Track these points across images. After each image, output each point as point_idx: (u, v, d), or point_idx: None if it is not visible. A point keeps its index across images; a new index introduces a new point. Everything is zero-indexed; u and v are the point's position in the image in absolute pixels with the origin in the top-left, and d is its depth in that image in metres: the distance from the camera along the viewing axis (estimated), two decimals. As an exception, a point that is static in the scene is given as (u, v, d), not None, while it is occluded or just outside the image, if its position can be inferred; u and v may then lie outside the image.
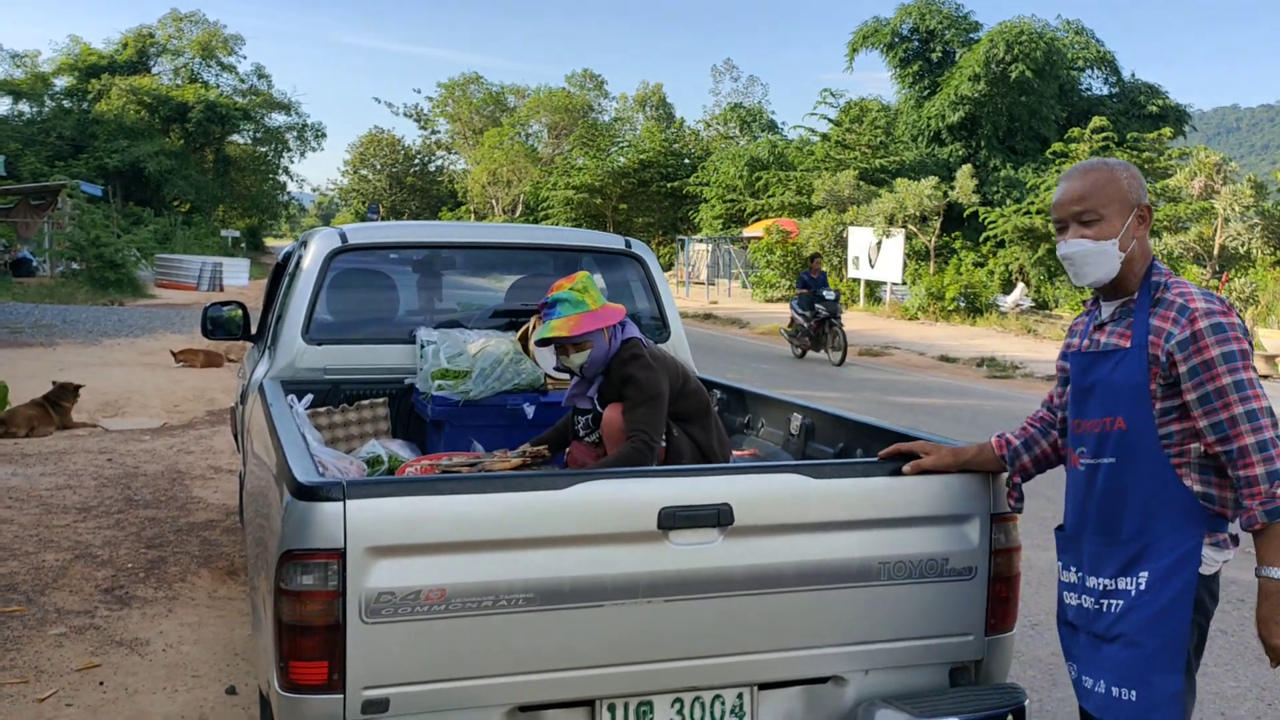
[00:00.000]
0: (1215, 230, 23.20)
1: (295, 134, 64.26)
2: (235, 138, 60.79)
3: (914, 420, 11.24)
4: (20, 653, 4.45)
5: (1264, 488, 2.23)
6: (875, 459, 3.01)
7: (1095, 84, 39.52)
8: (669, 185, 51.80)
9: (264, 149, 63.45)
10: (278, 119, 62.94)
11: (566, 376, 4.42)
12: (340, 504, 2.42)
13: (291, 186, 69.69)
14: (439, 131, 77.95)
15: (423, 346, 4.36)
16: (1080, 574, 2.52)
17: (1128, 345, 2.41)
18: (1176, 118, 37.77)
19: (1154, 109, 37.10)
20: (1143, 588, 2.35)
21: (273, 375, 4.35)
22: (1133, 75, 39.44)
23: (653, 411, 3.54)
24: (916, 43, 38.89)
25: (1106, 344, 2.46)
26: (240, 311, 5.72)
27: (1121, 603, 2.38)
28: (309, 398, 4.13)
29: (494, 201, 64.62)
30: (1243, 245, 22.60)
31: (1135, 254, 2.43)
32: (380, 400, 4.46)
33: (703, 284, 38.57)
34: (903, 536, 2.83)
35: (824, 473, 2.82)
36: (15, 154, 44.76)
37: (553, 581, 2.57)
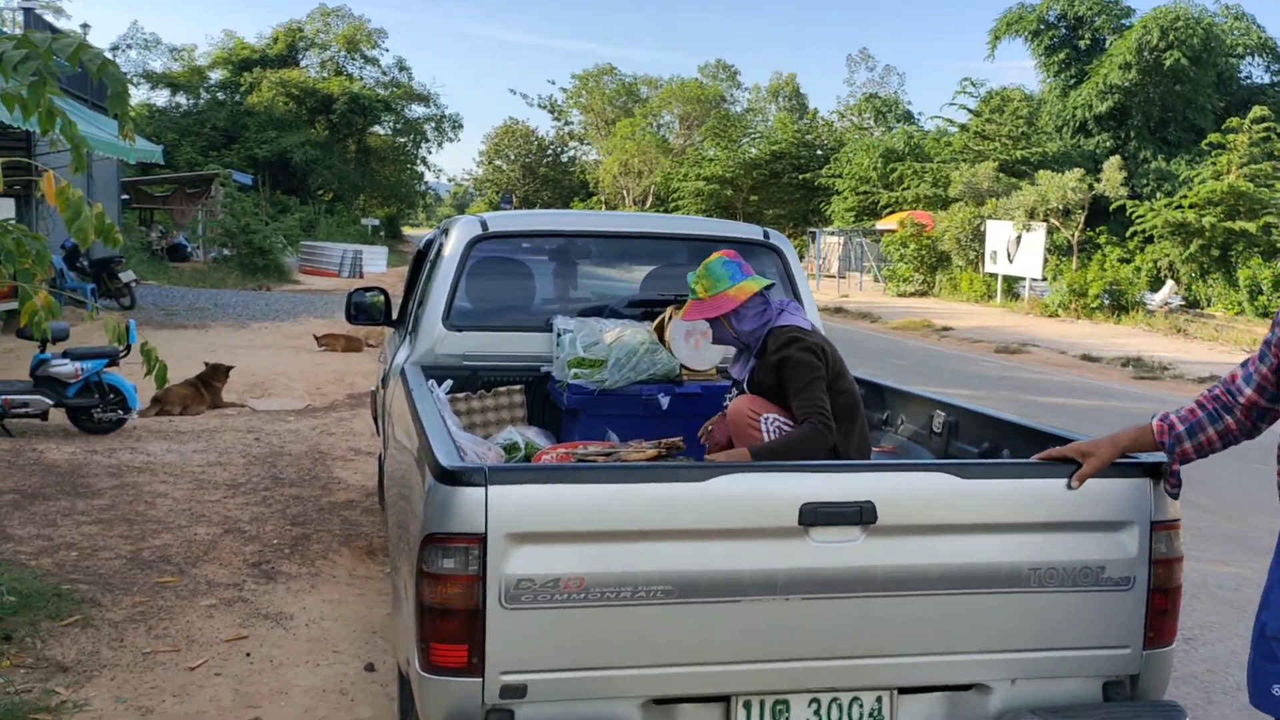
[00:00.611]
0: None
1: (433, 125, 65.69)
2: (376, 128, 62.52)
3: (1055, 421, 10.83)
4: (173, 622, 4.65)
5: None
6: (1028, 460, 2.89)
7: (1256, 72, 37.47)
8: (801, 177, 51.19)
9: (403, 139, 65.04)
10: (417, 110, 64.44)
11: (702, 368, 4.42)
12: (482, 489, 2.44)
13: (429, 176, 71.37)
14: (572, 122, 78.74)
15: (559, 335, 4.39)
16: None
17: None
18: (1345, 107, 35.52)
19: (1321, 97, 34.97)
20: None
21: (414, 360, 4.43)
22: (1298, 62, 37.27)
23: (819, 391, 3.47)
24: (1064, 29, 37.47)
25: None
26: (382, 298, 5.86)
27: None
28: (449, 383, 4.19)
29: (625, 192, 64.99)
30: None
31: None
32: (517, 387, 4.50)
33: (834, 277, 38.07)
34: (1055, 542, 2.71)
35: (972, 472, 2.72)
36: (173, 144, 47.00)
37: (691, 575, 2.54)
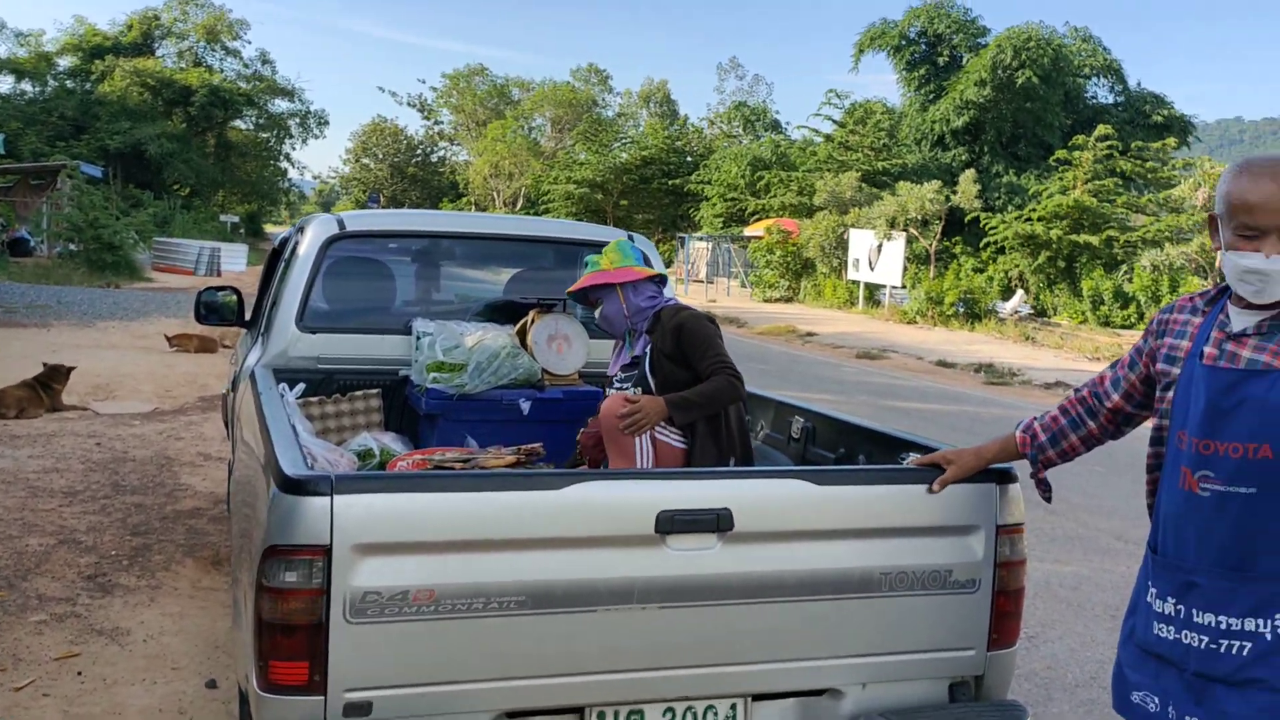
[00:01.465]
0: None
1: (298, 120, 64.04)
2: (237, 123, 60.58)
3: (911, 426, 11.17)
4: (-1, 639, 4.36)
5: None
6: (882, 466, 2.94)
7: (1101, 92, 39.47)
8: (670, 183, 51.65)
9: (266, 135, 63.20)
10: (280, 105, 62.74)
11: (564, 373, 4.37)
12: (327, 499, 2.34)
13: (292, 173, 69.54)
14: (442, 122, 77.81)
15: (418, 338, 4.27)
16: (1182, 607, 2.27)
17: None
18: (1181, 128, 37.69)
19: (1159, 119, 37.01)
20: None
21: (265, 363, 4.27)
22: (1138, 84, 39.40)
23: (721, 348, 3.65)
24: (924, 46, 38.79)
25: (1254, 360, 2.19)
26: (235, 297, 5.64)
27: (1251, 645, 2.17)
28: (301, 386, 4.04)
29: (495, 194, 64.47)
30: (1244, 258, 22.51)
31: None
32: (374, 391, 4.38)
33: (702, 282, 38.48)
34: (906, 546, 2.76)
35: (828, 479, 2.75)
36: (16, 133, 44.54)
37: (545, 584, 2.49)
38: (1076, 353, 20.43)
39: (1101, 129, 29.99)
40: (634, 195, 53.78)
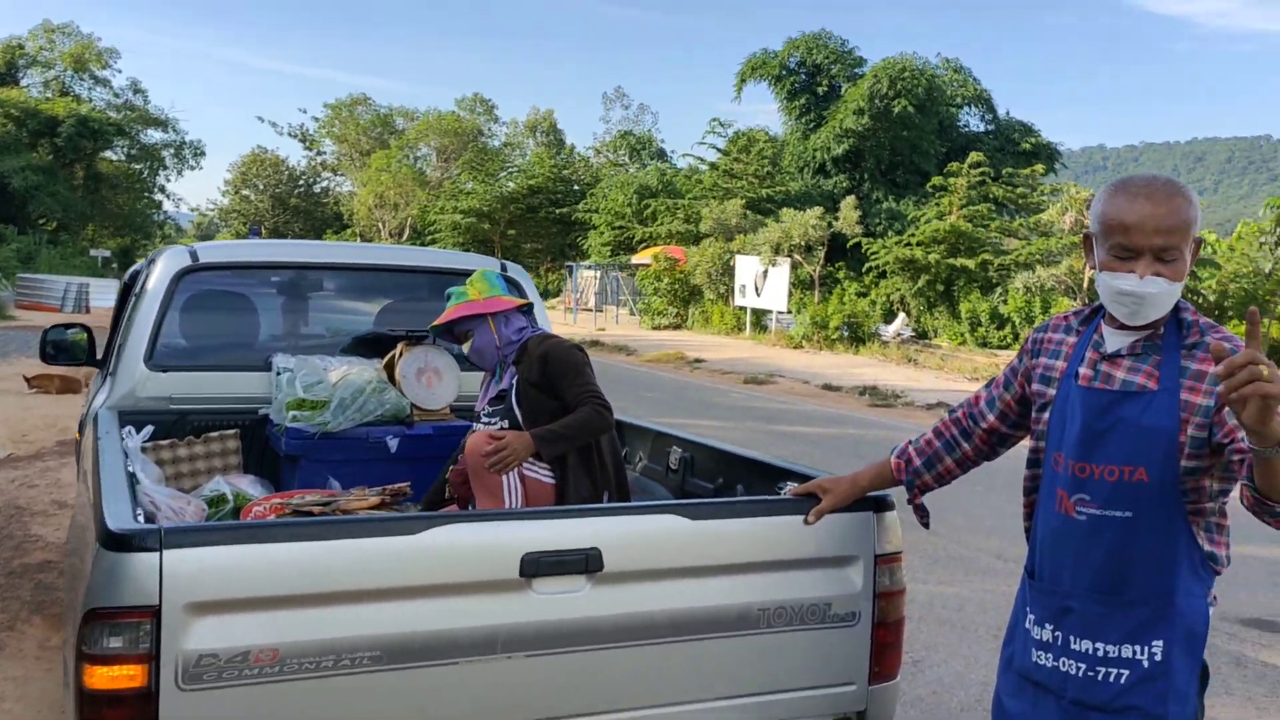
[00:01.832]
0: (1085, 264, 24.04)
1: (172, 151, 62.10)
2: (108, 154, 58.41)
3: (796, 449, 11.22)
4: None
5: None
6: (757, 498, 2.85)
7: (973, 121, 40.84)
8: (558, 211, 51.64)
9: (139, 166, 61.12)
10: (154, 135, 60.74)
11: (434, 407, 4.19)
12: (156, 554, 2.14)
13: (168, 205, 67.20)
14: (325, 153, 76.38)
15: (278, 374, 4.05)
16: (1060, 634, 2.22)
17: (1156, 387, 2.11)
18: (1048, 155, 39.19)
19: (1027, 146, 38.42)
20: (1159, 658, 2.12)
21: (110, 404, 3.99)
22: (1007, 113, 40.89)
23: (588, 376, 3.55)
24: (804, 76, 39.61)
25: (1129, 382, 2.15)
26: (85, 334, 5.30)
27: (1129, 672, 2.13)
28: (149, 429, 3.78)
29: (381, 225, 63.49)
30: (1110, 279, 23.40)
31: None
32: (231, 432, 4.13)
33: (591, 311, 38.44)
34: (783, 581, 2.67)
35: (702, 513, 2.64)
36: None
37: (402, 637, 2.32)
38: (956, 373, 20.92)
39: (974, 156, 30.99)
40: (522, 225, 53.58)
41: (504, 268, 4.66)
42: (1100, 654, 2.17)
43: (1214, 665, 5.07)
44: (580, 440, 3.42)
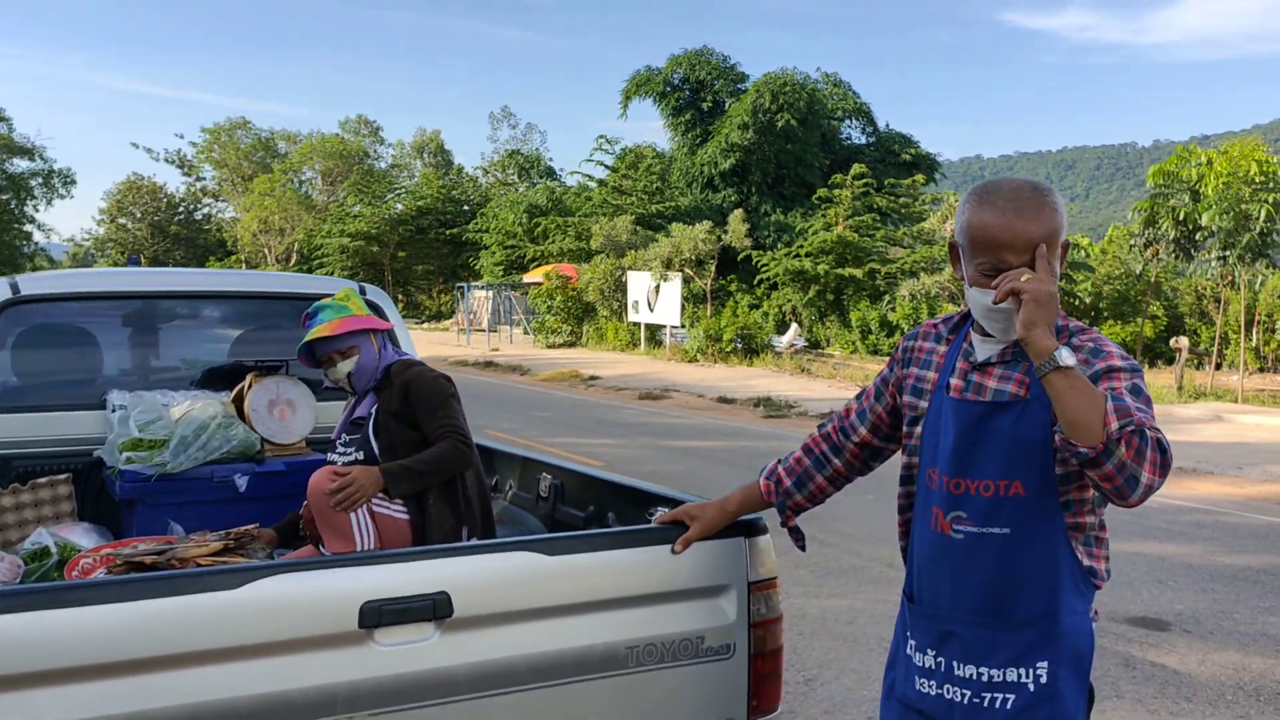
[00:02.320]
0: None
1: (40, 180, 59.64)
2: (-30, 185, 55.89)
3: (691, 465, 11.12)
4: None
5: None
6: (619, 529, 2.67)
7: (854, 133, 41.58)
8: (448, 232, 51.08)
9: (5, 196, 58.54)
10: (20, 164, 58.26)
11: (288, 442, 3.92)
12: (-74, 627, 1.86)
13: (39, 236, 64.45)
14: (205, 178, 74.27)
15: (113, 411, 3.74)
16: (942, 659, 2.11)
17: (1027, 396, 2.01)
18: (928, 166, 40.13)
19: (908, 157, 39.27)
20: (1044, 680, 2.02)
21: (-78, 453, 3.63)
22: (887, 126, 41.74)
23: (452, 409, 3.33)
24: (688, 92, 39.86)
25: (1001, 392, 2.05)
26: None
27: (1015, 697, 2.03)
28: (-36, 479, 3.44)
29: (267, 250, 61.93)
30: (992, 284, 24.00)
31: None
32: (62, 478, 3.79)
33: (484, 331, 37.99)
34: (652, 615, 2.49)
35: (559, 548, 2.45)
36: None
37: (225, 705, 2.08)
38: (849, 381, 21.16)
39: (857, 168, 31.53)
40: (412, 246, 52.84)
41: (362, 290, 4.41)
42: (985, 679, 2.06)
43: (1102, 668, 5.09)
44: (434, 478, 3.21)
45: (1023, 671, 2.03)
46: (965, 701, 2.08)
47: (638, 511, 3.13)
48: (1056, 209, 2.00)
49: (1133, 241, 22.80)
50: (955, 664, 2.10)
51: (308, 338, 3.40)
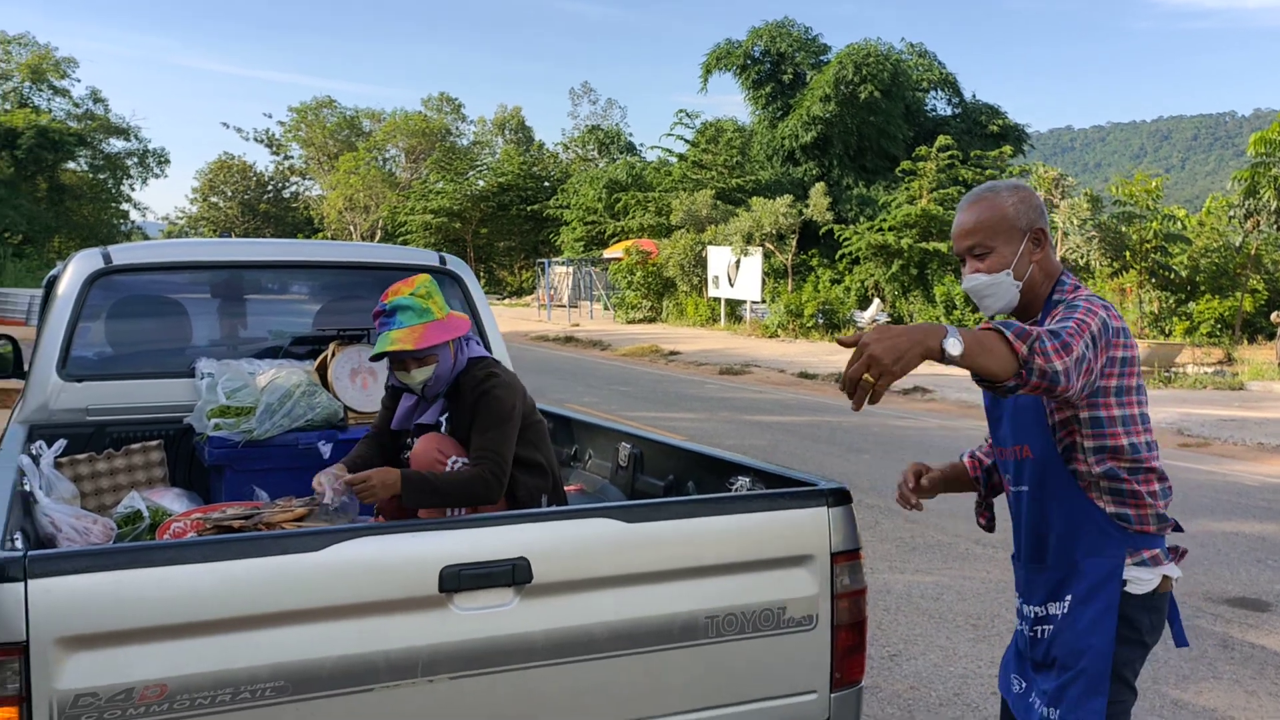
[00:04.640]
0: (1056, 243, 23.99)
1: (136, 160, 61.44)
2: (70, 165, 57.72)
3: (773, 438, 11.04)
4: None
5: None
6: (698, 497, 2.63)
7: (939, 105, 40.74)
8: (529, 208, 51.36)
9: (103, 175, 60.41)
10: (116, 144, 60.09)
11: (370, 409, 3.95)
12: (20, 584, 1.91)
13: (135, 215, 66.45)
14: (292, 157, 75.74)
15: (201, 379, 3.81)
16: (1021, 601, 2.45)
17: None
18: (1016, 137, 39.15)
19: (995, 128, 38.36)
20: (1067, 611, 2.30)
21: (21, 418, 3.75)
22: (974, 96, 40.81)
23: (506, 436, 3.14)
24: (768, 65, 39.40)
25: None
26: (10, 345, 5.03)
27: (1051, 628, 2.33)
28: (61, 443, 3.52)
29: (352, 227, 63.00)
30: (1081, 257, 23.34)
31: (1036, 277, 2.33)
32: (154, 444, 3.88)
33: (565, 307, 38.18)
34: (733, 585, 2.45)
35: (639, 515, 2.42)
36: None
37: (309, 665, 2.10)
38: (932, 357, 20.79)
39: (942, 140, 30.86)
40: (493, 222, 53.27)
41: (443, 260, 4.43)
42: (1035, 615, 2.38)
43: (1200, 648, 4.92)
44: (453, 503, 3.05)
45: (1055, 605, 2.33)
46: (1028, 634, 2.40)
47: (717, 480, 3.09)
48: (997, 203, 2.32)
49: (1232, 213, 22.02)
50: (1023, 605, 2.43)
51: (387, 348, 3.15)
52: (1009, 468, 2.41)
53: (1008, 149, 34.51)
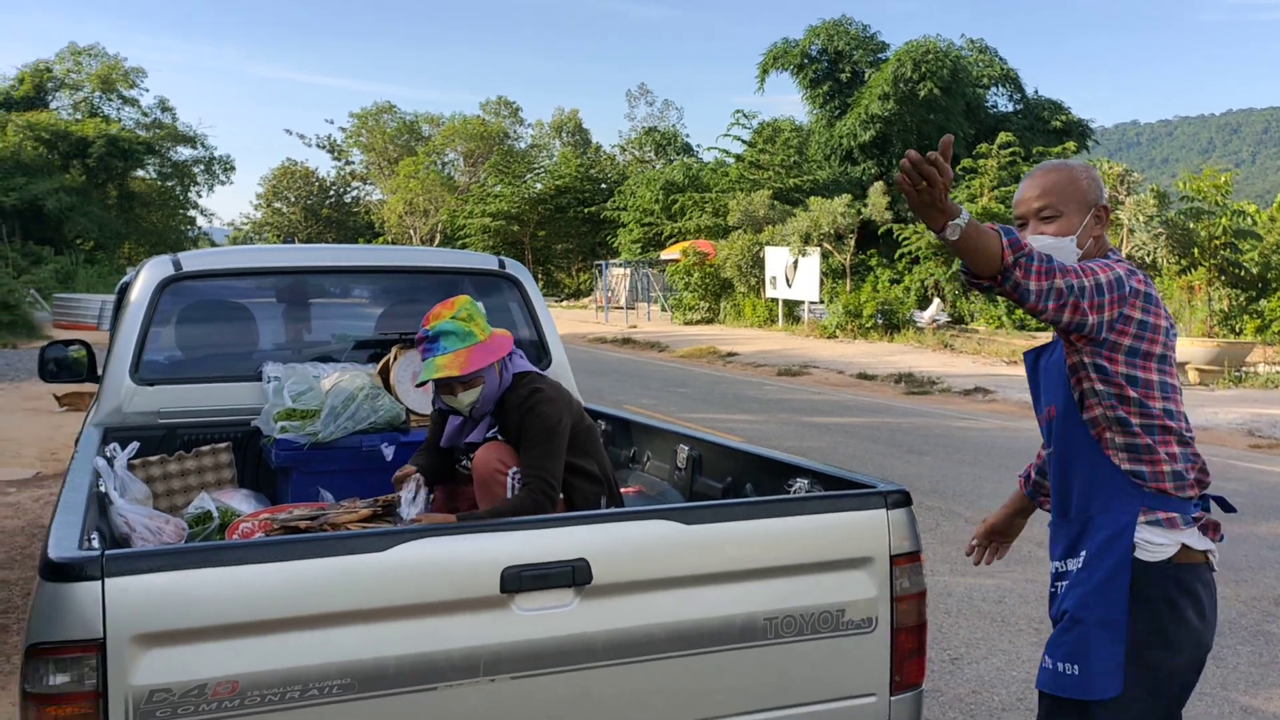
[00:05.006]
0: (1121, 240, 23.52)
1: (202, 167, 62.72)
2: (139, 172, 59.06)
3: (832, 440, 10.98)
4: None
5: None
6: (757, 499, 2.64)
7: (1000, 101, 40.20)
8: (586, 210, 51.56)
9: (170, 183, 61.75)
10: (184, 152, 61.38)
11: (429, 413, 4.01)
12: (98, 583, 1.97)
13: (201, 221, 67.92)
14: (353, 162, 76.81)
15: (268, 383, 3.89)
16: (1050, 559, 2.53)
17: (1052, 336, 2.46)
18: (1080, 133, 38.49)
19: (1058, 124, 37.77)
20: (1081, 566, 2.35)
21: (96, 421, 3.86)
22: (1035, 92, 40.19)
23: (553, 452, 3.17)
24: (826, 63, 39.17)
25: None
26: (85, 351, 5.18)
27: (1067, 583, 2.38)
28: (134, 445, 3.62)
29: (412, 231, 63.74)
30: (1148, 255, 22.88)
31: (1092, 251, 2.42)
32: (223, 446, 3.97)
33: (622, 308, 38.27)
34: (791, 587, 2.46)
35: (697, 517, 2.43)
36: (-97, 195, 42.90)
37: (375, 663, 2.15)
38: (994, 357, 20.53)
39: (1003, 136, 30.45)
40: (551, 225, 53.54)
41: (502, 264, 4.48)
42: (1056, 570, 2.45)
43: (1272, 654, 4.81)
44: None
45: (1071, 561, 2.39)
46: (1052, 591, 2.46)
47: (776, 482, 3.09)
48: (1069, 174, 2.42)
49: (1305, 208, 21.44)
50: (1052, 563, 2.49)
51: (433, 375, 3.20)
52: (1045, 434, 2.52)
53: (1071, 145, 33.96)
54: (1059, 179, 2.42)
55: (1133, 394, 2.26)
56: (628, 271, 41.65)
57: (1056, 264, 2.15)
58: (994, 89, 39.73)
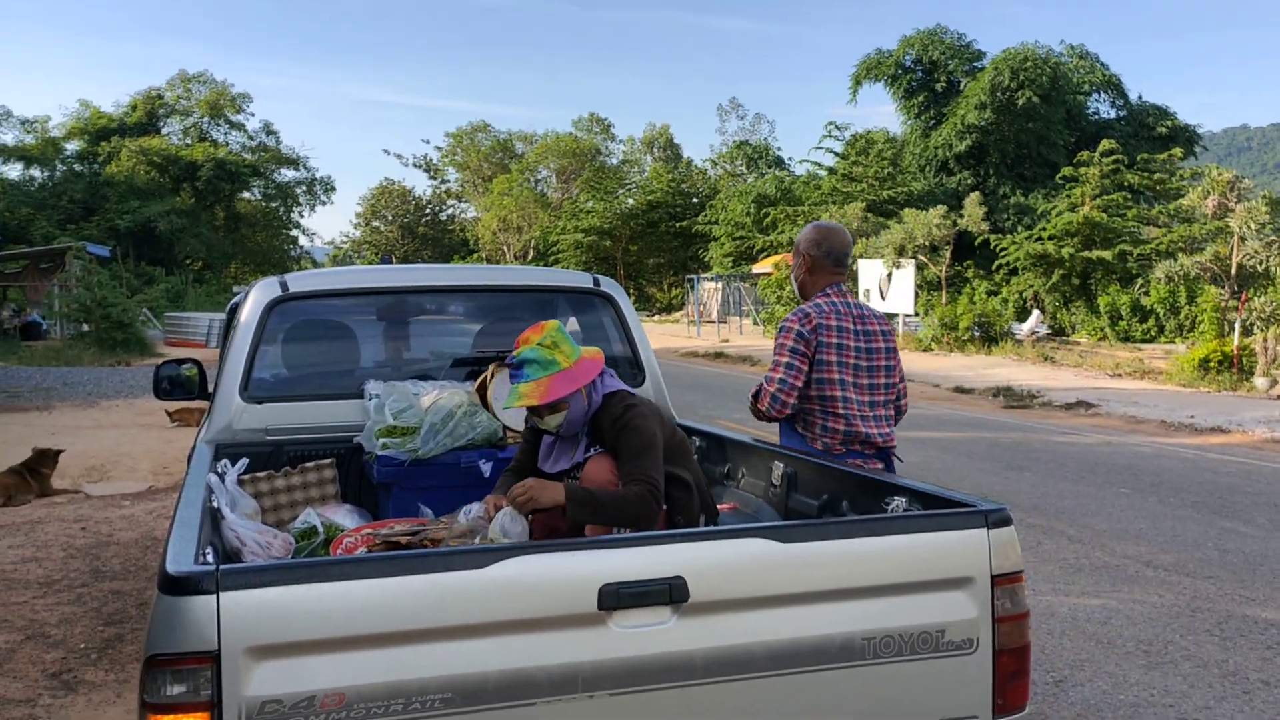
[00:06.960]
0: (1232, 249, 22.68)
1: (304, 188, 64.58)
2: (245, 194, 61.14)
3: (927, 455, 10.80)
4: (-56, 752, 4.07)
5: None
6: (855, 518, 2.62)
7: (1103, 108, 39.25)
8: (678, 225, 51.71)
9: (274, 204, 63.74)
10: (287, 174, 63.33)
11: (521, 430, 4.06)
12: (213, 596, 2.04)
13: (303, 240, 69.97)
14: (449, 180, 78.30)
15: (369, 400, 3.99)
16: None
17: None
18: (1186, 138, 37.36)
19: (1163, 130, 36.71)
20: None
21: (208, 438, 3.99)
22: (1139, 98, 39.14)
23: (653, 460, 3.19)
24: (920, 73, 38.71)
25: None
26: (196, 369, 5.37)
27: None
28: (244, 462, 3.75)
29: (506, 248, 64.65)
30: (1260, 264, 22.03)
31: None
32: (326, 462, 4.08)
33: (714, 322, 38.22)
34: (890, 607, 2.43)
35: (795, 535, 2.42)
36: (27, 219, 45.03)
37: (475, 678, 2.18)
38: (1097, 370, 19.98)
39: (1106, 144, 29.70)
40: (642, 240, 53.82)
41: (596, 282, 4.52)
42: None
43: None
44: (614, 518, 3.07)
45: None
46: None
47: (872, 500, 3.06)
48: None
49: None
50: None
51: (515, 403, 3.27)
52: None
53: (1177, 151, 32.97)
54: None
55: None
56: (719, 285, 41.60)
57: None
58: (1095, 95, 38.85)
